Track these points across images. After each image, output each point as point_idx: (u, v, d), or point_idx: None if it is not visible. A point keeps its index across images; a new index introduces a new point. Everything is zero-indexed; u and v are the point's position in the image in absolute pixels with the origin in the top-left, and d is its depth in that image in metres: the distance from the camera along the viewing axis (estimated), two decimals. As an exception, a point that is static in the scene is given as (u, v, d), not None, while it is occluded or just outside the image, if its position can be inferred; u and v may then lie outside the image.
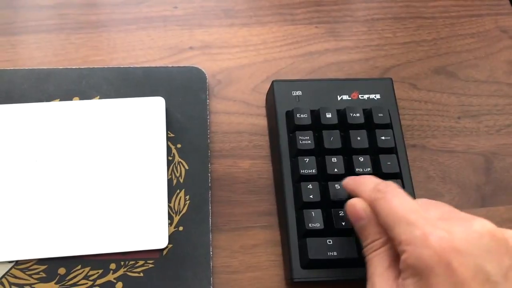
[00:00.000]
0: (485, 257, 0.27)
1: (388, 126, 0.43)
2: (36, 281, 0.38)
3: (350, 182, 0.36)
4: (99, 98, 0.45)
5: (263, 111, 0.47)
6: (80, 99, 0.45)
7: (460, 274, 0.27)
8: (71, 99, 0.45)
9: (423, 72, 0.50)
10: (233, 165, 0.44)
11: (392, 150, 0.42)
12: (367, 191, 0.34)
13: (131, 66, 0.47)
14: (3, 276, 0.38)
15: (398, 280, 0.30)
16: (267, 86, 0.47)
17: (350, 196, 0.35)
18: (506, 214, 0.43)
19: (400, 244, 0.30)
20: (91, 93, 0.45)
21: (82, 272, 0.38)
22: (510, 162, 0.46)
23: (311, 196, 0.39)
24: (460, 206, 0.43)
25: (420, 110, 0.48)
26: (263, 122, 0.46)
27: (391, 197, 0.32)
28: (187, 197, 0.42)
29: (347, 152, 0.42)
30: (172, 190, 0.42)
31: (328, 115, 0.42)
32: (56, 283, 0.38)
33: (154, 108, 0.44)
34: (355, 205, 0.34)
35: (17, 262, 0.38)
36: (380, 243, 0.32)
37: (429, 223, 0.29)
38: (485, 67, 0.51)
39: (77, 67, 0.47)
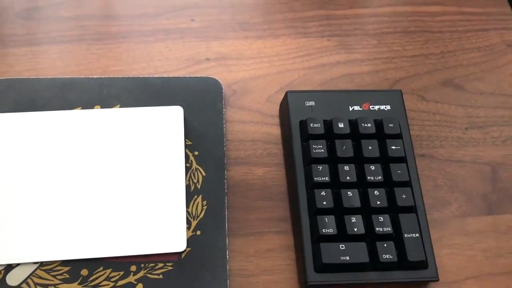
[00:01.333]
0: None
1: (398, 136, 0.44)
2: (60, 282, 0.39)
3: None
4: (120, 107, 0.47)
5: (277, 120, 0.49)
6: (101, 107, 0.47)
7: None
8: (93, 108, 0.46)
9: (431, 84, 0.51)
10: (248, 172, 0.46)
11: (402, 159, 0.44)
12: None
13: (150, 76, 0.49)
14: (28, 277, 0.39)
15: None
16: (281, 96, 0.48)
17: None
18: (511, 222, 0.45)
19: None
20: (111, 102, 0.47)
21: (104, 274, 0.40)
22: (516, 172, 0.47)
23: (324, 203, 0.41)
24: (468, 214, 0.45)
25: (429, 121, 0.49)
26: (277, 131, 0.48)
27: None
28: (204, 202, 0.43)
29: (359, 160, 0.43)
30: (190, 195, 0.43)
31: (341, 125, 0.44)
32: (79, 284, 0.39)
33: (172, 117, 0.46)
34: None
35: (42, 264, 0.40)
36: None
37: None
38: (491, 80, 0.52)
39: (98, 76, 0.48)
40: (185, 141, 0.46)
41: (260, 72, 0.51)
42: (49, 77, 0.48)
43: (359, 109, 0.46)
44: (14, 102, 0.46)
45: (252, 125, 0.48)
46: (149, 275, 0.40)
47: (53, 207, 0.41)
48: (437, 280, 0.40)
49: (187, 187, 0.44)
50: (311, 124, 0.44)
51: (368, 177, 0.42)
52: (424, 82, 0.52)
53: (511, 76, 0.53)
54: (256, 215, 0.44)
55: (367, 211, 0.41)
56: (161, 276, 0.40)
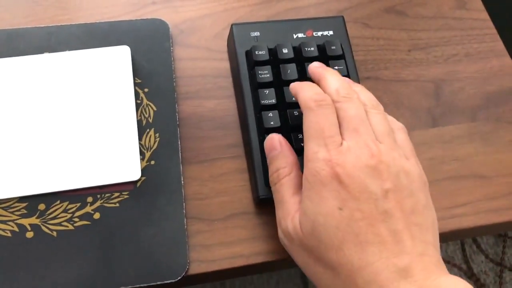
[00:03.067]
0: (369, 180, 0.32)
1: (340, 57, 0.46)
2: (18, 217, 0.40)
3: (295, 86, 0.39)
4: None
5: (225, 55, 0.50)
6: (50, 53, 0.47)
7: (351, 189, 0.32)
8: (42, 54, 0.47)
9: (374, 12, 0.53)
10: (199, 105, 0.47)
11: (345, 79, 0.45)
12: (304, 98, 0.37)
13: (97, 21, 0.49)
14: (-14, 215, 0.40)
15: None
16: (228, 32, 0.49)
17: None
18: (455, 132, 0.47)
19: (305, 158, 0.34)
20: (60, 48, 0.48)
21: (61, 207, 0.41)
22: (458, 86, 0.49)
23: (272, 123, 0.42)
24: (413, 127, 0.47)
25: (373, 46, 0.51)
26: (226, 65, 0.49)
27: (318, 111, 0.35)
28: (157, 134, 0.44)
29: (304, 82, 0.45)
30: (142, 129, 0.44)
31: (285, 51, 0.45)
32: (37, 218, 0.40)
33: (120, 56, 0.47)
34: (274, 137, 0.38)
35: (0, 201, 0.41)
36: (286, 171, 0.36)
37: (335, 146, 0.33)
38: (432, 4, 0.54)
39: (46, 25, 0.49)
40: (134, 80, 0.46)
41: (207, 11, 0.52)
42: (-4, 29, 0.48)
43: (303, 36, 0.48)
44: (-39, 54, 0.46)
45: (200, 61, 0.49)
46: (105, 205, 0.41)
47: (7, 147, 0.42)
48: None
49: (139, 121, 0.45)
50: (256, 52, 0.45)
51: (313, 96, 0.43)
52: (367, 11, 0.53)
53: (450, 0, 0.54)
54: (209, 143, 0.45)
55: (313, 127, 0.43)
56: (117, 205, 0.41)
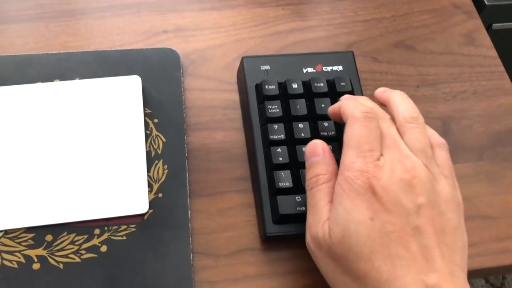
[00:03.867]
0: (403, 194, 0.32)
1: (350, 93, 0.46)
2: (25, 248, 0.40)
3: (345, 102, 0.39)
4: (79, 80, 0.47)
5: (234, 87, 0.50)
6: (61, 81, 0.47)
7: (384, 202, 0.32)
8: (52, 82, 0.47)
9: (383, 47, 0.53)
10: (208, 137, 0.47)
11: (354, 115, 0.45)
12: (351, 106, 0.37)
13: (108, 49, 0.50)
14: (-7, 245, 0.40)
15: None
16: (238, 64, 0.50)
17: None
18: (462, 171, 0.47)
19: (341, 166, 0.34)
20: (71, 75, 0.48)
21: (68, 238, 0.41)
22: (466, 124, 0.49)
23: (280, 159, 0.42)
24: (420, 165, 0.47)
25: (381, 81, 0.51)
26: (235, 97, 0.49)
27: (363, 123, 0.35)
28: (165, 166, 0.44)
29: (313, 118, 0.45)
30: (151, 161, 0.44)
31: (295, 86, 0.46)
32: (44, 249, 0.40)
33: (131, 86, 0.47)
34: (317, 143, 0.38)
35: (6, 232, 0.41)
36: (326, 178, 0.36)
37: (373, 159, 0.33)
38: (441, 40, 0.54)
39: (57, 52, 0.49)
40: (144, 110, 0.47)
41: (217, 41, 0.52)
42: (8, 54, 0.49)
43: (313, 70, 0.48)
44: (-28, 79, 0.47)
45: (210, 92, 0.49)
46: (113, 237, 0.41)
47: (16, 177, 0.42)
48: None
49: (148, 153, 0.45)
50: (266, 86, 0.45)
51: (322, 133, 0.44)
52: (376, 45, 0.53)
53: (459, 36, 0.55)
54: (216, 176, 0.45)
55: (321, 164, 0.43)
56: (125, 238, 0.41)
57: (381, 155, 0.34)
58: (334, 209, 0.34)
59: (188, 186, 0.44)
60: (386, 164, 0.33)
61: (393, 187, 0.32)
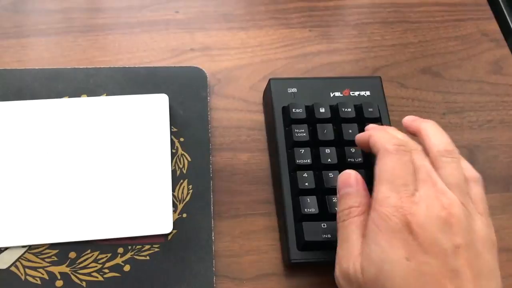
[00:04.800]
0: (440, 234, 0.31)
1: (377, 120, 0.46)
2: (48, 264, 0.40)
3: (369, 128, 0.39)
4: (106, 96, 0.48)
5: (260, 108, 0.50)
6: (88, 96, 0.47)
7: (421, 241, 0.31)
8: (80, 97, 0.47)
9: (410, 72, 0.53)
10: (233, 157, 0.47)
11: (381, 142, 0.45)
12: (383, 139, 0.36)
13: (136, 66, 0.50)
14: (17, 260, 0.40)
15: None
16: (264, 84, 0.50)
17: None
18: (488, 202, 0.46)
19: (374, 201, 0.33)
20: (98, 91, 0.48)
21: (91, 256, 0.41)
22: (492, 154, 0.49)
23: (306, 184, 0.42)
24: (446, 194, 0.46)
25: (408, 107, 0.51)
26: (260, 118, 0.49)
27: (396, 157, 0.34)
28: (190, 186, 0.44)
29: (340, 143, 0.44)
30: (176, 180, 0.44)
31: (322, 110, 0.45)
32: (67, 266, 0.40)
33: (158, 104, 0.47)
34: (351, 173, 0.37)
35: (30, 247, 0.41)
36: (359, 210, 0.35)
37: (408, 194, 0.33)
38: (468, 67, 0.54)
39: (85, 67, 0.49)
40: (170, 128, 0.47)
41: (244, 61, 0.52)
42: (36, 67, 0.49)
43: (340, 95, 0.48)
44: (1, 92, 0.47)
45: (236, 112, 0.49)
46: (136, 257, 0.41)
47: (41, 192, 0.42)
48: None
49: (173, 172, 0.45)
50: (293, 109, 0.45)
51: (349, 159, 0.43)
52: (403, 70, 0.53)
53: (486, 64, 0.54)
54: (241, 198, 0.45)
55: (348, 191, 0.42)
56: (148, 257, 0.41)
57: (415, 190, 0.33)
58: (368, 246, 0.33)
59: (212, 207, 0.44)
60: (422, 200, 0.32)
61: (430, 225, 0.31)
